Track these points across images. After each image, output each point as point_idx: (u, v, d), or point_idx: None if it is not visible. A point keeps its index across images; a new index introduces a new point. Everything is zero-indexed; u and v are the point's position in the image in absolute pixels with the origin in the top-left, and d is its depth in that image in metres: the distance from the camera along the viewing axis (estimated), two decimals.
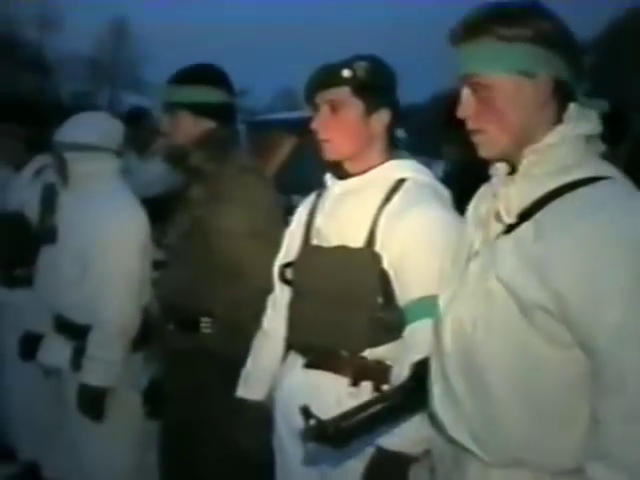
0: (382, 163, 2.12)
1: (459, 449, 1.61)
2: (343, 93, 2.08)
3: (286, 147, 2.90)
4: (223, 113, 2.73)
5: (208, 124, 2.70)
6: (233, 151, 2.70)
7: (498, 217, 1.57)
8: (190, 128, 2.69)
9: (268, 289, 2.38)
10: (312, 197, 2.29)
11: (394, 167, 2.12)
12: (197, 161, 2.67)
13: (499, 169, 1.61)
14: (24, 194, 3.72)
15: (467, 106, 1.55)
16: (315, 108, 2.12)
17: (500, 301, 1.50)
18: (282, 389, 2.19)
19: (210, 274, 2.60)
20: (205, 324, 2.63)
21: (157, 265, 3.14)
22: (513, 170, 1.58)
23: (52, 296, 3.13)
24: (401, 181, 2.08)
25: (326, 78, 2.08)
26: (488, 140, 1.55)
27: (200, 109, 2.68)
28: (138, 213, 3.04)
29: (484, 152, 1.57)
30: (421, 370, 1.73)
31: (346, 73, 2.06)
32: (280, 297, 2.31)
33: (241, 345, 2.44)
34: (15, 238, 3.68)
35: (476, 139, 1.57)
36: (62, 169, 3.05)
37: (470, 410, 1.56)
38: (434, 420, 1.67)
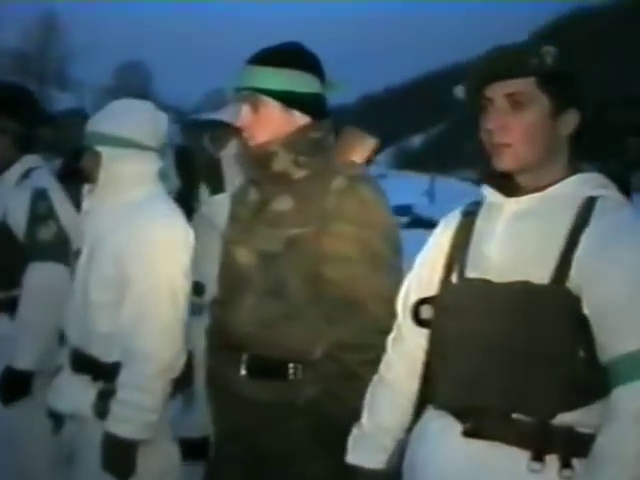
0: (566, 177, 1.66)
1: None
2: (527, 85, 1.62)
3: (369, 148, 2.46)
4: (318, 107, 2.21)
5: (300, 119, 2.19)
6: (331, 155, 2.20)
7: None
8: (278, 123, 2.16)
9: (386, 329, 1.92)
10: (456, 215, 1.82)
11: (583, 182, 1.66)
12: (285, 165, 2.16)
13: None
14: (8, 201, 3.05)
15: None
16: (482, 103, 1.65)
17: None
18: (430, 463, 1.70)
19: (307, 307, 2.11)
20: (295, 370, 2.13)
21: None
22: None
23: (67, 326, 2.58)
24: (591, 200, 1.64)
25: (506, 65, 1.61)
26: None
27: (293, 100, 2.16)
28: (184, 226, 2.50)
29: None
30: None
31: (532, 60, 1.60)
32: (408, 340, 1.84)
33: (347, 397, 2.00)
34: None
35: None
36: (94, 167, 2.48)
37: None
38: None
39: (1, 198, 3.04)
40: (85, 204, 2.58)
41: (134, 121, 2.50)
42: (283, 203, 2.15)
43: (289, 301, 2.12)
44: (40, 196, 2.99)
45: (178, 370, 2.43)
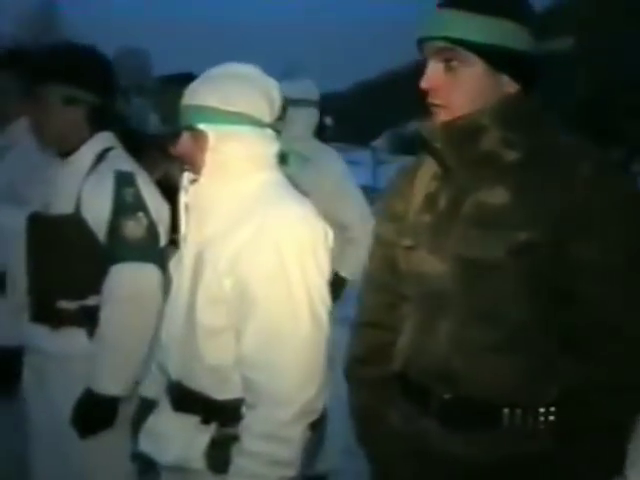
0: None
1: None
2: None
3: None
4: (531, 71, 1.65)
5: (508, 86, 1.63)
6: (550, 134, 1.63)
7: None
8: (480, 88, 1.60)
9: None
10: None
11: None
12: (494, 144, 1.60)
13: None
14: (82, 188, 2.41)
15: None
16: None
17: None
18: None
19: (534, 334, 1.56)
20: (512, 417, 1.58)
21: None
22: None
23: (165, 355, 2.02)
24: None
25: None
26: None
27: (503, 59, 1.59)
28: (320, 221, 1.92)
29: None
30: None
31: None
32: None
33: (599, 455, 1.52)
34: (68, 255, 2.41)
35: None
36: (197, 150, 1.92)
37: None
38: None
39: (72, 185, 2.41)
40: (186, 197, 1.99)
41: (247, 91, 1.93)
42: (497, 196, 1.58)
43: (508, 325, 1.56)
44: (126, 182, 2.37)
45: (320, 410, 1.87)
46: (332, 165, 3.52)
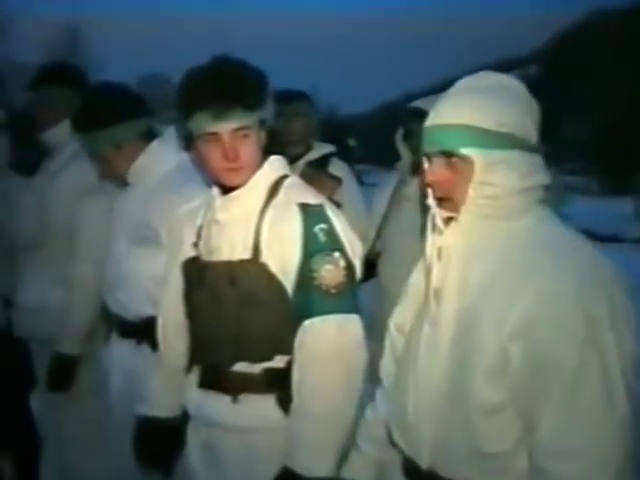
0: None
1: None
2: None
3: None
4: None
5: None
6: None
7: None
8: None
9: None
10: None
11: None
12: None
13: None
14: (260, 227, 1.96)
15: None
16: None
17: None
18: None
19: None
20: None
21: None
22: None
23: (413, 436, 1.62)
24: None
25: None
26: None
27: None
28: (615, 267, 1.53)
29: None
30: None
31: None
32: None
33: None
34: (247, 308, 1.95)
35: None
36: (456, 180, 1.54)
37: None
38: None
39: (245, 224, 1.98)
40: (440, 240, 1.59)
41: (516, 108, 1.56)
42: None
43: None
44: (315, 217, 1.94)
45: None
46: None
